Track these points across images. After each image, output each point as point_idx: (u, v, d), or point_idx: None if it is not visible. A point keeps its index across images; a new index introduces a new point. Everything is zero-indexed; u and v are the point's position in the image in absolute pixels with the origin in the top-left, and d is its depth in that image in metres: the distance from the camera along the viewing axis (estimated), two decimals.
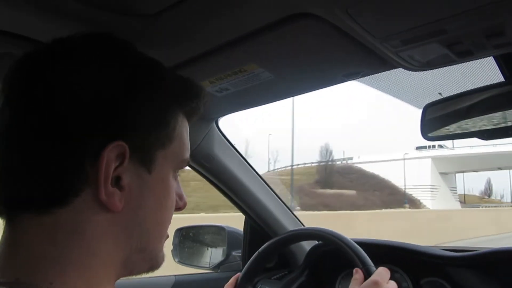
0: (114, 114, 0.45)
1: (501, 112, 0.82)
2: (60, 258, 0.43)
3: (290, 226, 1.48)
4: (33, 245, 0.43)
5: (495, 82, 0.80)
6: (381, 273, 0.77)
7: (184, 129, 0.54)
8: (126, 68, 0.48)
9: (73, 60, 0.46)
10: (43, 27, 0.66)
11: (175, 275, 1.44)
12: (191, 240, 1.73)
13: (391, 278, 0.78)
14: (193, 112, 0.55)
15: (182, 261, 1.67)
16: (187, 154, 0.54)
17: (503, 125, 0.80)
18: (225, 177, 1.36)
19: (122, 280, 0.51)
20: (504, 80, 0.80)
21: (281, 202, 1.50)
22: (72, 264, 0.43)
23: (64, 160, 0.43)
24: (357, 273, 0.83)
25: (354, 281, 0.81)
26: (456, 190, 62.34)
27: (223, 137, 1.33)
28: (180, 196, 0.55)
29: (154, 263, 0.52)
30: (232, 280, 1.01)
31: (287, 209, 1.52)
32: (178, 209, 0.55)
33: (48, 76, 0.45)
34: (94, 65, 0.46)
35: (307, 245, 1.50)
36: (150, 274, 0.54)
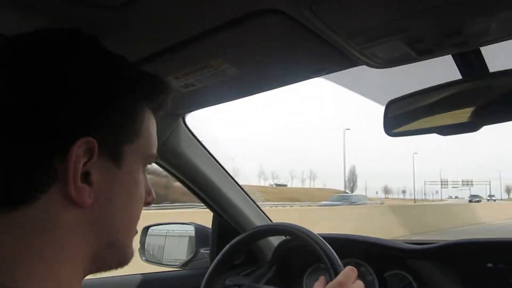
0: (81, 110, 0.45)
1: (459, 109, 0.85)
2: (27, 255, 0.42)
3: (258, 222, 1.49)
4: None
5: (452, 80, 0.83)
6: (347, 274, 0.77)
7: (151, 124, 0.54)
8: (93, 64, 0.48)
9: (41, 56, 0.46)
10: (1, 18, 0.64)
11: (141, 274, 1.42)
12: (158, 238, 1.70)
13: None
14: (159, 107, 0.56)
15: (149, 260, 1.65)
16: (155, 150, 0.55)
17: (461, 121, 0.83)
18: (193, 173, 1.35)
19: (88, 279, 0.51)
20: (461, 78, 0.83)
21: (249, 198, 1.51)
22: (40, 261, 0.43)
23: (32, 156, 0.43)
24: (321, 278, 0.83)
25: (318, 283, 0.81)
26: None
27: (190, 134, 1.32)
28: (148, 192, 0.55)
29: (123, 258, 0.52)
30: None
31: (255, 206, 1.53)
32: (147, 204, 0.55)
33: (15, 70, 0.44)
34: (61, 60, 0.46)
35: (275, 241, 1.51)
36: (116, 273, 0.54)
